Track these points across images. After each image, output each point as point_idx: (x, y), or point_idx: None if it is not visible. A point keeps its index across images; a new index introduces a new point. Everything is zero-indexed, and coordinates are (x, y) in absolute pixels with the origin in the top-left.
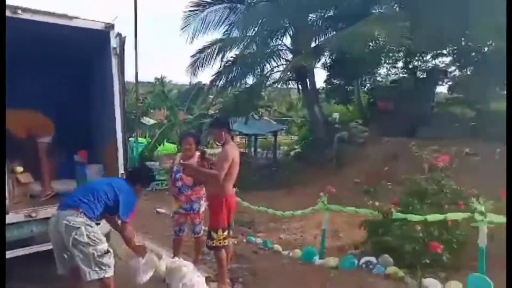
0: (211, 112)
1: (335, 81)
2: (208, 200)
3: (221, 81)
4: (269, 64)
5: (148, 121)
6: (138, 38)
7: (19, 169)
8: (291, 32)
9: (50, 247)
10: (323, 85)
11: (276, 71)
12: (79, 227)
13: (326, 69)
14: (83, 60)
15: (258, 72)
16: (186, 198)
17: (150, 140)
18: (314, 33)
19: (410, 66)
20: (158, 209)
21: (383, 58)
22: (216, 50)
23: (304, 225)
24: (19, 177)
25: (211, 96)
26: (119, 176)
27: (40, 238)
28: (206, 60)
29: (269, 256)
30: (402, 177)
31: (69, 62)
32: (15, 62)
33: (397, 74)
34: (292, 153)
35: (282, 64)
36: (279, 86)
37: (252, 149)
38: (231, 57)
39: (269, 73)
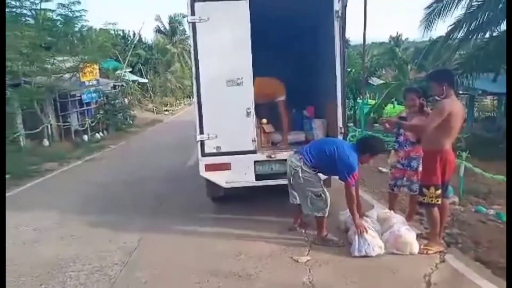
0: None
1: None
2: (423, 155)
3: (461, 32)
4: None
5: (375, 81)
6: None
7: (264, 121)
8: None
9: (284, 182)
10: None
11: None
12: (296, 169)
13: None
14: (308, 26)
15: None
16: (405, 153)
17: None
18: None
19: None
20: (380, 168)
21: None
22: None
23: None
24: (264, 127)
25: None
26: (338, 130)
27: (277, 175)
28: (444, 9)
29: (501, 229)
30: None
31: (298, 30)
32: (259, 36)
33: None
34: None
35: None
36: None
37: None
38: (477, 0)
39: None
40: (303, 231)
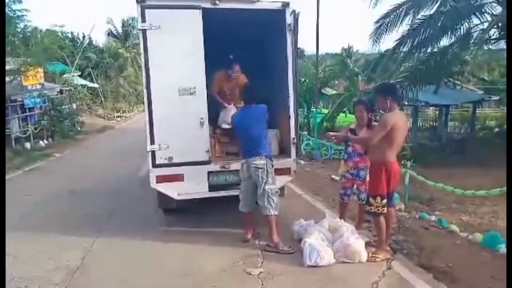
0: (392, 80)
1: None
2: (370, 166)
3: (406, 46)
4: (468, 22)
5: (328, 91)
6: (322, 9)
7: (219, 131)
8: None
9: (237, 193)
10: None
11: (475, 31)
12: (263, 167)
13: None
14: (261, 37)
15: (454, 32)
16: (353, 163)
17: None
18: None
19: None
20: (333, 176)
21: None
22: (402, 13)
23: (497, 211)
24: (219, 137)
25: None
26: (291, 141)
27: (231, 185)
28: (390, 25)
29: (442, 234)
30: None
31: (251, 41)
32: (212, 47)
33: None
34: (497, 129)
35: (486, 21)
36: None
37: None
38: (419, 19)
39: (470, 32)
40: (257, 242)
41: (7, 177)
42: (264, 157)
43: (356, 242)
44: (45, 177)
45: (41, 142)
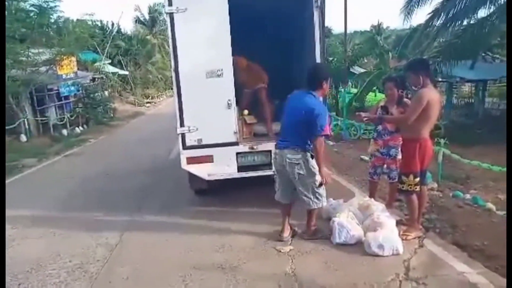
0: (425, 56)
1: None
2: (402, 144)
3: (440, 20)
4: None
5: (357, 70)
6: None
7: (246, 112)
8: None
9: (267, 173)
10: None
11: None
12: (298, 163)
13: None
14: (288, 15)
15: (493, 1)
16: (383, 142)
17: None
18: None
19: None
20: (362, 157)
21: None
22: None
23: None
24: (246, 118)
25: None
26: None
27: (259, 166)
28: None
29: (477, 213)
30: None
31: (278, 20)
32: (243, 25)
33: None
34: None
35: None
36: None
37: (481, 98)
38: None
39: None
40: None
41: (47, 162)
42: (299, 150)
43: (387, 220)
44: (82, 162)
45: (77, 128)
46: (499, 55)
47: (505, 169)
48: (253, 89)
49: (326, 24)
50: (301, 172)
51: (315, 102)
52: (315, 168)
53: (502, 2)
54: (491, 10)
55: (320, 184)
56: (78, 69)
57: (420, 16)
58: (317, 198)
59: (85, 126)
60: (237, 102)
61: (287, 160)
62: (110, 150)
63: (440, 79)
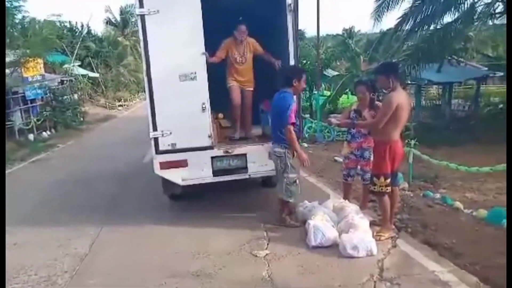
0: (395, 59)
1: None
2: (373, 146)
3: (408, 24)
4: None
5: (330, 73)
6: None
7: (220, 115)
8: None
9: (242, 177)
10: None
11: (479, 5)
12: (281, 156)
13: None
14: (261, 18)
15: (457, 8)
16: (357, 144)
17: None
18: None
19: None
20: (336, 158)
21: None
22: None
23: (501, 187)
24: (221, 122)
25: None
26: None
27: (235, 170)
28: (392, 2)
29: (446, 212)
30: None
31: (251, 22)
32: (217, 28)
33: None
34: (501, 106)
35: None
36: (490, 22)
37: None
38: None
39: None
40: (262, 224)
41: (12, 169)
42: (283, 146)
43: (361, 221)
44: (49, 168)
45: (44, 133)
46: (463, 59)
47: (471, 169)
48: (241, 89)
49: (299, 27)
50: (281, 165)
51: (283, 97)
52: (293, 168)
53: (466, 8)
54: (456, 16)
55: (294, 182)
56: (45, 71)
57: (390, 20)
58: (288, 195)
59: (53, 130)
60: (212, 105)
61: (273, 152)
62: (79, 155)
63: (409, 82)
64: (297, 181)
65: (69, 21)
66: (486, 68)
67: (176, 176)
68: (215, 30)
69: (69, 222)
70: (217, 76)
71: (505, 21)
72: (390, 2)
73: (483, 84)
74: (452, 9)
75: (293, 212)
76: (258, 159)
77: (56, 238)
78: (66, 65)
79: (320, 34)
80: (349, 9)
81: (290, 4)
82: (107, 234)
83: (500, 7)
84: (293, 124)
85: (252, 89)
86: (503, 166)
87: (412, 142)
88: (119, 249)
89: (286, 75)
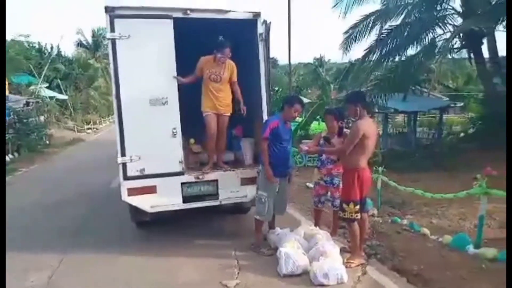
0: (362, 89)
1: None
2: (342, 173)
3: (375, 55)
4: (432, 32)
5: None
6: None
7: (192, 141)
8: None
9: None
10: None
11: (439, 40)
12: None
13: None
14: (233, 49)
15: (419, 42)
16: (327, 171)
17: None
18: None
19: None
20: (307, 184)
21: None
22: (370, 23)
23: (465, 212)
24: (192, 147)
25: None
26: None
27: (205, 196)
28: (359, 35)
29: (414, 238)
30: None
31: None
32: (189, 54)
33: None
34: (462, 134)
35: (449, 31)
36: (449, 56)
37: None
38: (386, 29)
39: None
40: (233, 252)
41: None
42: (260, 165)
43: (332, 249)
44: (10, 193)
45: (6, 157)
46: (426, 89)
47: (436, 195)
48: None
49: (271, 56)
50: (257, 183)
51: (270, 117)
52: (264, 186)
53: (427, 43)
54: (418, 49)
55: (261, 200)
56: (10, 92)
57: (358, 51)
58: (256, 211)
59: (15, 154)
60: (183, 130)
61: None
62: (43, 180)
63: (377, 110)
64: (266, 200)
65: (38, 42)
66: (447, 99)
67: (145, 203)
68: (188, 56)
69: (27, 252)
70: (189, 100)
71: (462, 55)
72: (358, 35)
73: (445, 113)
74: (415, 43)
75: (266, 239)
76: (230, 185)
77: (12, 270)
78: (32, 87)
79: (292, 62)
80: (320, 39)
81: (262, 34)
82: (68, 265)
83: (457, 43)
84: (265, 138)
85: (229, 114)
86: (465, 193)
87: (380, 168)
88: (79, 281)
89: (283, 100)
